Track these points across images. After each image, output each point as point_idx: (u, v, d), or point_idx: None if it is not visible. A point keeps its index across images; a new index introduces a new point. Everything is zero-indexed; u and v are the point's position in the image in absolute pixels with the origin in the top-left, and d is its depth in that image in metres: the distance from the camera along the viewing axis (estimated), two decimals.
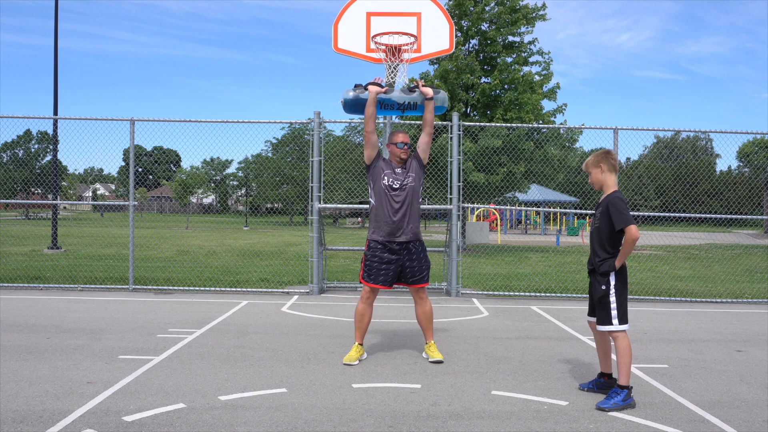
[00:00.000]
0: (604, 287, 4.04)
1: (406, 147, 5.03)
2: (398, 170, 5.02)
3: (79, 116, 9.43)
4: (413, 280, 5.01)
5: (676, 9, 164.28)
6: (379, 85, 5.14)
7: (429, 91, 5.21)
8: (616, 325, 4.01)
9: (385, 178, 5.00)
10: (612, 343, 4.19)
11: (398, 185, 4.97)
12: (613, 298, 4.02)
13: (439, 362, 4.97)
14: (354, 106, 5.57)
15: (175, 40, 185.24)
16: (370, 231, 5.10)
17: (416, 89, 5.45)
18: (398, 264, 4.96)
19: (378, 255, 4.95)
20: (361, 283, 5.12)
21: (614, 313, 4.01)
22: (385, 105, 5.55)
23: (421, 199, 5.19)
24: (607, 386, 4.21)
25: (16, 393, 4.00)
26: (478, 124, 11.67)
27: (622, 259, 4.00)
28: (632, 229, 3.90)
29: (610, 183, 4.15)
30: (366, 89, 5.27)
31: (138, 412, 3.68)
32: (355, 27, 7.86)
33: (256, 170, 47.71)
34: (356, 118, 9.48)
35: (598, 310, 4.09)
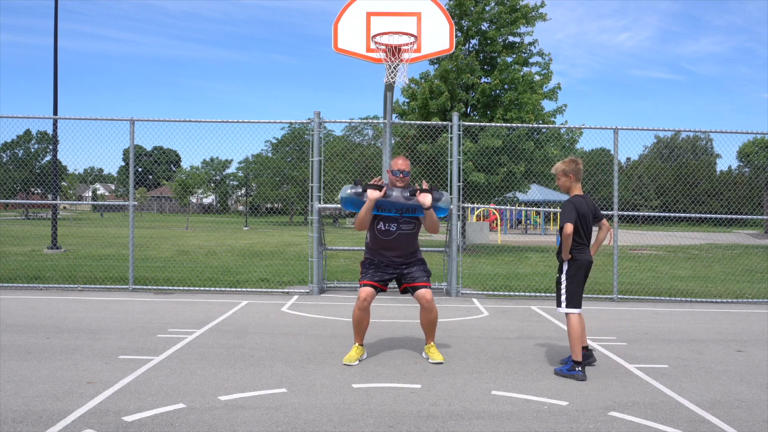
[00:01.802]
0: (558, 274, 4.82)
1: (401, 175, 4.92)
2: (396, 215, 4.91)
3: (78, 116, 9.43)
4: (411, 279, 4.98)
5: (675, 8, 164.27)
6: (379, 188, 4.77)
7: (427, 201, 4.73)
8: (563, 308, 4.72)
9: (381, 222, 4.88)
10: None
11: (395, 229, 4.89)
12: (564, 284, 4.73)
13: (439, 363, 4.96)
14: (352, 204, 5.04)
15: (174, 40, 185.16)
16: (366, 248, 5.10)
17: (416, 195, 4.83)
18: (396, 270, 5.00)
19: (377, 260, 5.00)
20: (360, 286, 5.09)
21: (563, 297, 4.71)
22: (381, 207, 4.88)
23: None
24: (586, 357, 4.81)
25: (15, 393, 4.00)
26: (478, 124, 11.68)
27: (564, 252, 4.69)
28: (567, 226, 4.60)
29: (574, 189, 4.82)
30: (365, 192, 4.85)
31: (138, 412, 3.68)
32: (355, 27, 7.86)
33: (256, 170, 47.73)
34: (356, 119, 9.46)
35: (556, 293, 4.82)
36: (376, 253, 5.01)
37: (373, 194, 4.73)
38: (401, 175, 4.93)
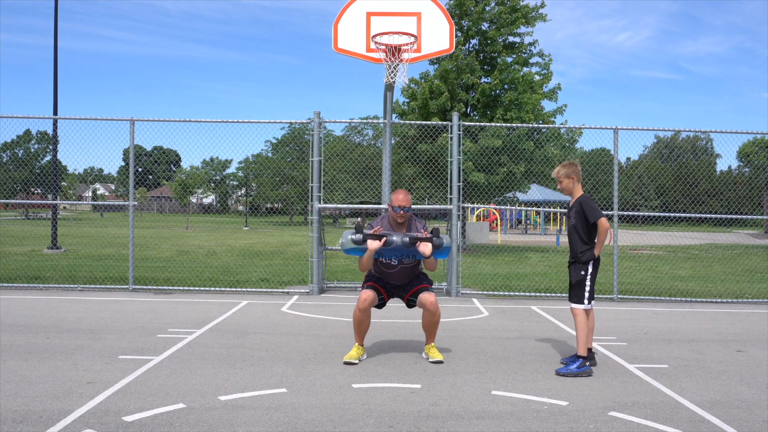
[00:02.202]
0: (583, 273, 4.82)
1: (402, 212, 4.89)
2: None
3: (78, 116, 9.44)
4: (411, 286, 5.07)
5: (674, 8, 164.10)
6: (379, 237, 4.74)
7: (426, 251, 4.74)
8: (585, 305, 4.84)
9: (382, 256, 4.89)
10: (589, 321, 4.91)
11: (396, 263, 4.95)
12: (588, 282, 4.83)
13: (440, 362, 4.96)
14: (353, 250, 4.98)
15: (174, 40, 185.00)
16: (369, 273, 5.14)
17: (417, 242, 4.80)
18: (399, 288, 5.10)
19: (380, 277, 5.09)
20: (361, 288, 5.10)
21: (586, 294, 4.83)
22: (382, 254, 4.90)
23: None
24: (589, 358, 4.85)
25: (15, 393, 4.00)
26: (478, 124, 11.68)
27: (599, 247, 4.77)
28: (603, 221, 4.69)
29: (577, 190, 4.97)
30: (365, 242, 4.81)
31: (138, 412, 3.68)
32: (355, 27, 7.86)
33: (256, 170, 47.73)
34: (356, 119, 9.46)
35: (574, 291, 4.86)
36: (379, 277, 5.11)
37: (372, 245, 4.75)
38: (402, 212, 4.90)
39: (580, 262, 4.83)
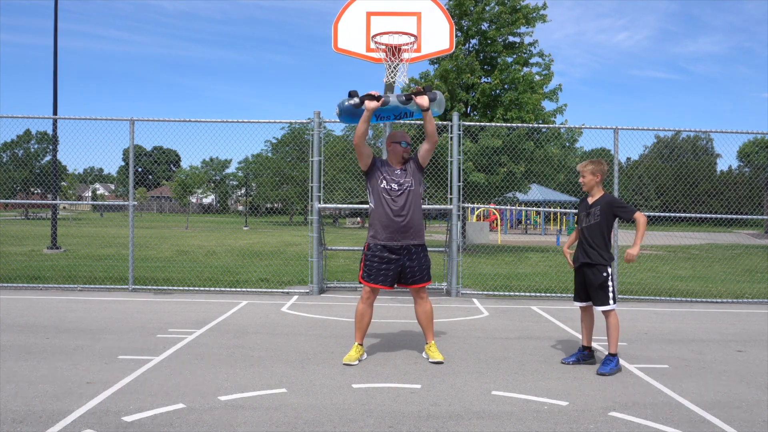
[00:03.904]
0: (605, 274, 4.79)
1: (408, 147, 5.00)
2: (397, 171, 4.99)
3: (78, 116, 9.43)
4: (413, 281, 4.99)
5: (673, 8, 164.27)
6: (376, 98, 4.84)
7: (425, 102, 4.86)
8: (612, 305, 4.81)
9: (384, 181, 4.95)
10: (604, 321, 4.91)
11: (397, 187, 4.93)
12: (610, 283, 4.81)
13: (440, 363, 4.96)
14: (350, 115, 5.16)
15: (172, 39, 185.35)
16: (369, 233, 5.04)
17: (412, 98, 4.98)
18: (398, 264, 4.93)
19: (378, 255, 4.93)
20: (360, 283, 5.09)
21: (611, 295, 4.80)
22: (379, 115, 5.21)
23: (422, 200, 5.15)
24: (590, 357, 5.03)
25: (15, 393, 4.00)
26: (478, 124, 11.66)
27: (639, 241, 4.72)
28: (639, 215, 4.76)
29: (599, 189, 4.96)
30: (362, 103, 4.91)
31: (138, 412, 3.68)
32: (355, 27, 7.85)
33: (256, 170, 47.72)
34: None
35: (598, 294, 4.81)
36: (381, 246, 4.93)
37: (370, 104, 4.82)
38: (408, 147, 4.99)
39: (601, 264, 4.81)
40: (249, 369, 4.69)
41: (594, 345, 5.68)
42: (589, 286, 4.88)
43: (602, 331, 6.43)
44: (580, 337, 6.15)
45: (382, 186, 4.94)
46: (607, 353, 4.89)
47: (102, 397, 3.95)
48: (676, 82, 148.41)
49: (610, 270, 4.83)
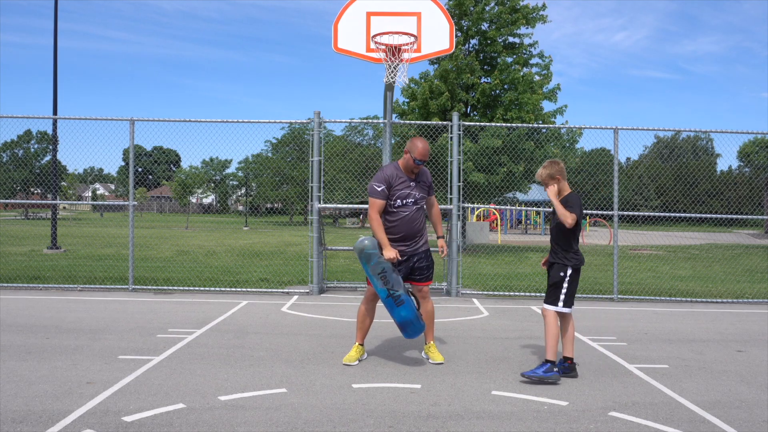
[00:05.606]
0: (562, 274, 4.62)
1: (421, 165, 4.91)
2: (411, 183, 4.97)
3: (78, 116, 9.43)
4: (420, 278, 5.01)
5: (671, 8, 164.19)
6: (395, 261, 4.80)
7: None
8: (558, 307, 4.60)
9: (399, 200, 4.91)
10: (568, 327, 4.72)
11: (412, 201, 4.93)
12: (566, 285, 4.61)
13: (440, 364, 4.96)
14: (366, 258, 4.91)
15: (172, 39, 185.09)
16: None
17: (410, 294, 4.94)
18: (407, 267, 4.96)
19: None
20: (367, 284, 5.09)
21: (562, 297, 4.60)
22: (385, 280, 4.82)
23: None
24: (570, 369, 4.65)
25: (15, 393, 4.00)
26: (478, 124, 11.67)
27: (558, 208, 4.56)
28: (572, 217, 4.49)
29: (565, 188, 4.72)
30: (381, 255, 4.81)
31: (138, 412, 3.68)
32: (355, 27, 7.85)
33: (256, 170, 47.72)
34: (356, 119, 9.44)
35: (549, 291, 4.67)
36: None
37: (389, 254, 4.72)
38: (421, 165, 4.91)
39: (559, 262, 4.64)
40: (249, 369, 4.69)
41: (595, 345, 5.68)
42: (547, 284, 4.74)
43: (601, 331, 6.42)
44: (580, 337, 6.16)
45: (397, 204, 4.93)
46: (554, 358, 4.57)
47: (102, 397, 3.95)
48: (676, 81, 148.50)
49: (569, 271, 4.59)
